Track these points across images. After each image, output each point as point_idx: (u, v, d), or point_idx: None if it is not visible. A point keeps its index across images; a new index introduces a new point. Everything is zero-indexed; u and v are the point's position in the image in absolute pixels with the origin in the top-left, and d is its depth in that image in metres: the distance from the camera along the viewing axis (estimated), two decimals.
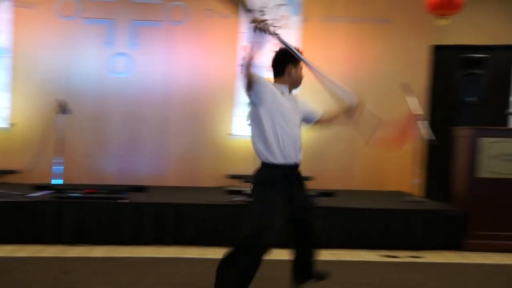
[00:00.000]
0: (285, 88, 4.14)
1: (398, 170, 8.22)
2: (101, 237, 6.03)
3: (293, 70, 4.16)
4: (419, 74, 8.30)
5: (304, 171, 8.24)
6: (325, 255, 5.82)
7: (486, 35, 8.96)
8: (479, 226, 6.31)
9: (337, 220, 6.24)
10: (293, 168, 4.00)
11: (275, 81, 4.16)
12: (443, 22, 7.48)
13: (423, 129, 6.89)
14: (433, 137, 6.75)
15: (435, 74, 8.50)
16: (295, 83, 4.19)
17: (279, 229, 3.80)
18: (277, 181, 3.89)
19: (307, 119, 4.27)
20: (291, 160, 3.96)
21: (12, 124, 7.80)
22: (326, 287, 4.52)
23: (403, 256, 5.88)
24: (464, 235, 6.32)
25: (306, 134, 8.11)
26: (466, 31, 8.74)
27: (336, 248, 6.12)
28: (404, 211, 6.39)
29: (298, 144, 4.05)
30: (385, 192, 7.97)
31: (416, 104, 7.07)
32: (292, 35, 8.06)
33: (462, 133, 6.69)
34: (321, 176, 8.07)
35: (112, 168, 8.03)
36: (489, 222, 6.31)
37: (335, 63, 8.27)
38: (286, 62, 4.15)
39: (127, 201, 6.21)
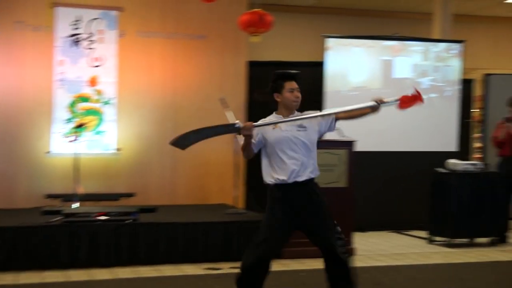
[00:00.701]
0: (279, 118, 4.24)
1: (220, 183, 8.39)
2: None
3: (279, 97, 4.25)
4: (237, 89, 8.56)
5: (125, 187, 8.13)
6: (148, 271, 5.81)
7: (297, 52, 9.51)
8: (296, 234, 6.58)
9: (160, 235, 6.22)
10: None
11: (276, 113, 4.30)
12: (255, 39, 7.80)
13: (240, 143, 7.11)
14: None
15: (251, 89, 8.82)
16: (288, 106, 4.25)
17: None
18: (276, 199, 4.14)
19: (326, 130, 4.33)
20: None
21: None
22: None
23: (226, 268, 6.00)
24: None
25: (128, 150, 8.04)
26: (278, 48, 9.22)
27: (159, 264, 6.10)
28: (225, 223, 6.53)
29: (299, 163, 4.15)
30: (208, 205, 8.09)
31: (233, 119, 7.29)
32: (108, 49, 7.93)
33: None
34: (144, 192, 8.02)
35: None
36: None
37: (153, 78, 8.28)
38: (272, 93, 4.28)
39: None
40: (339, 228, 4.19)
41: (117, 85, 7.99)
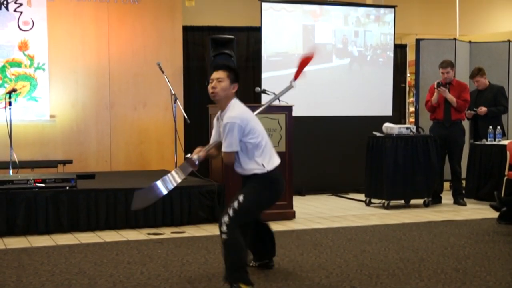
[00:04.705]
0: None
1: (160, 149, 8.34)
2: None
3: None
4: (174, 54, 8.45)
5: (61, 154, 7.94)
6: (88, 237, 5.72)
7: (232, 16, 9.41)
8: None
9: (100, 202, 6.11)
10: None
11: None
12: (190, 3, 7.68)
13: (179, 108, 7.04)
14: (185, 116, 6.93)
15: (187, 54, 8.73)
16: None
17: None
18: None
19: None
20: None
21: None
22: (101, 266, 4.43)
23: (168, 233, 5.98)
24: (223, 208, 6.58)
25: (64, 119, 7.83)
26: (213, 12, 9.11)
27: (100, 230, 6.01)
28: None
29: None
30: (148, 171, 8.00)
31: (170, 84, 7.21)
32: (38, 13, 7.64)
33: (215, 111, 6.94)
34: (82, 159, 7.88)
35: None
36: None
37: (85, 42, 8.09)
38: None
39: None
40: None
41: (48, 50, 7.75)
